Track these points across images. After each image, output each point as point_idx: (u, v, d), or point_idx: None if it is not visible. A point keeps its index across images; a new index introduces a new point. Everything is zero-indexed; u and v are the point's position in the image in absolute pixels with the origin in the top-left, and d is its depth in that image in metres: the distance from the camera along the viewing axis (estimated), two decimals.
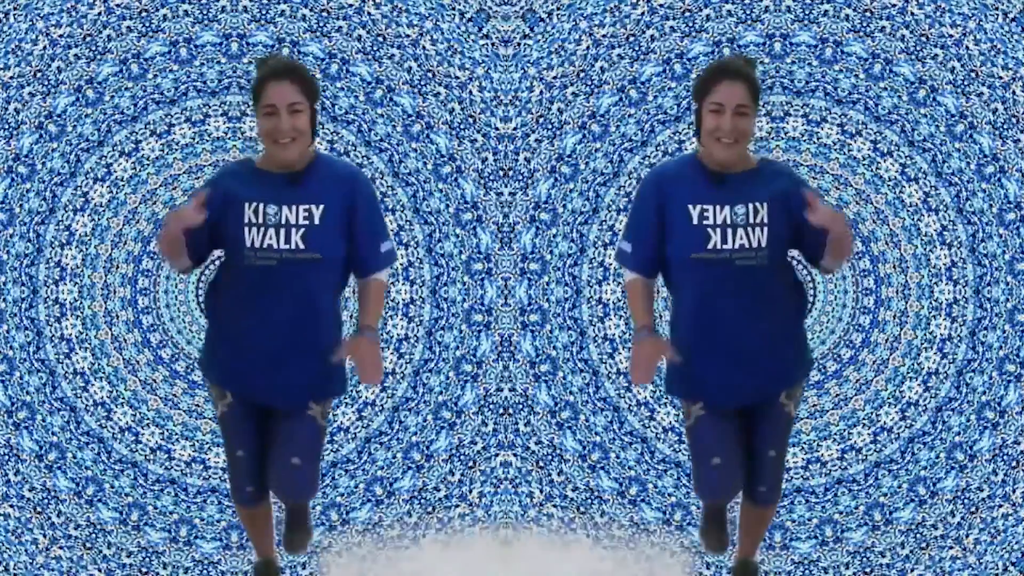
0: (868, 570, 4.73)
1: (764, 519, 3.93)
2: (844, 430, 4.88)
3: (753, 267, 3.60)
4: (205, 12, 4.76)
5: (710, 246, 3.60)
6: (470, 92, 4.81)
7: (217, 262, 3.74)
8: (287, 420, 3.71)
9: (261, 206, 3.60)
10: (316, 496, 3.95)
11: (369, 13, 4.80)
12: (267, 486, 3.77)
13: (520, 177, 4.87)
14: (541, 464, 4.90)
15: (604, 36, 4.82)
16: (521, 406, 4.89)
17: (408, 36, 4.80)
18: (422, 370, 4.93)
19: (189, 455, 4.86)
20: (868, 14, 4.74)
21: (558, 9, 4.81)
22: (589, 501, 4.89)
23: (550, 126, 4.85)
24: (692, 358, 3.69)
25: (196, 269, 3.77)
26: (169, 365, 4.91)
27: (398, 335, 4.92)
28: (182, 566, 4.72)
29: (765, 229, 3.60)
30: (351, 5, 4.78)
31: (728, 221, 3.61)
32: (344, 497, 4.89)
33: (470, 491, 4.88)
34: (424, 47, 4.81)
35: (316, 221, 3.61)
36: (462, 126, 4.84)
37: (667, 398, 4.87)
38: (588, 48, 4.82)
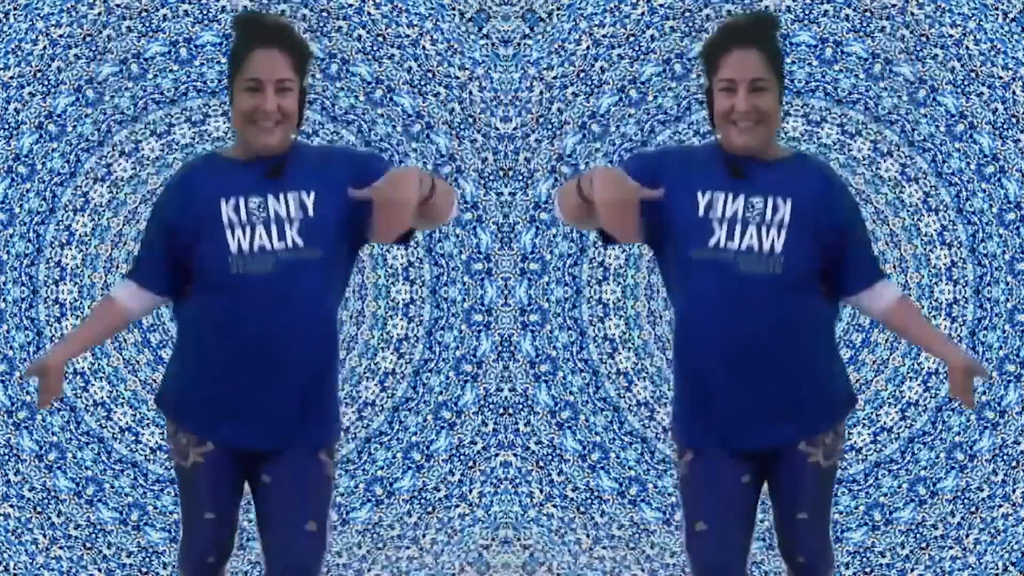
0: (868, 570, 4.73)
1: None
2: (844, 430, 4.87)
3: (761, 276, 2.91)
4: (205, 12, 4.76)
5: (712, 243, 2.93)
6: (470, 92, 4.81)
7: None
8: (290, 471, 2.97)
9: (241, 200, 2.91)
10: None
11: (369, 13, 4.80)
12: (229, 552, 3.06)
13: (520, 177, 4.87)
14: (541, 464, 4.90)
15: (604, 36, 4.82)
16: (521, 406, 4.89)
17: (408, 36, 4.80)
18: (422, 370, 4.93)
19: None
20: (868, 14, 4.74)
21: (558, 9, 4.82)
22: (589, 501, 4.89)
23: (550, 126, 4.85)
24: (686, 388, 3.04)
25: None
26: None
27: (398, 335, 4.92)
28: None
29: (783, 231, 2.91)
30: (351, 5, 4.78)
31: (739, 215, 2.92)
32: (344, 497, 4.89)
33: (470, 491, 4.88)
34: (424, 47, 4.81)
35: (311, 212, 2.92)
36: (462, 126, 4.84)
37: (667, 398, 4.87)
38: (588, 48, 4.82)
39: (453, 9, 4.80)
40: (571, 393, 4.91)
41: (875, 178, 4.83)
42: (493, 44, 4.82)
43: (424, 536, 4.84)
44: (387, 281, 4.91)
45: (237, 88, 2.95)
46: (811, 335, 3.00)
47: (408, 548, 4.80)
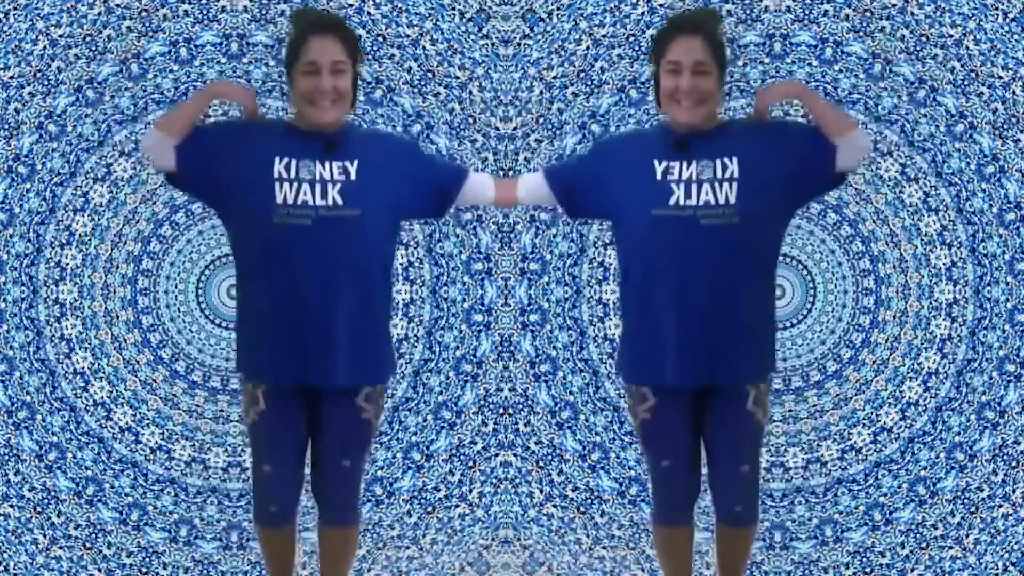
0: (868, 570, 4.73)
1: (744, 546, 3.56)
2: (844, 430, 4.88)
3: (721, 226, 3.27)
4: (205, 12, 4.77)
5: (672, 202, 3.29)
6: (470, 92, 4.81)
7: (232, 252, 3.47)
8: (333, 417, 3.44)
9: (293, 161, 3.30)
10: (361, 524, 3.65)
11: (369, 13, 4.80)
12: (293, 504, 3.49)
13: None
14: (541, 464, 4.90)
15: (604, 36, 4.82)
16: (521, 406, 4.89)
17: (408, 36, 4.80)
18: (422, 370, 4.93)
19: (189, 455, 4.86)
20: (868, 14, 4.74)
21: (558, 9, 4.82)
22: (589, 501, 4.89)
23: (550, 126, 4.85)
24: (648, 332, 3.37)
25: (174, 187, 3.46)
26: (169, 365, 4.91)
27: (398, 335, 4.92)
28: (182, 566, 4.72)
29: (735, 184, 3.28)
30: (351, 5, 4.78)
31: (694, 177, 3.30)
32: None
33: (470, 491, 4.88)
34: (424, 47, 4.81)
35: (352, 177, 3.32)
36: (462, 126, 4.84)
37: None
38: (588, 48, 4.83)
39: (453, 9, 4.80)
40: (571, 393, 4.91)
41: (875, 178, 4.84)
42: (493, 44, 4.82)
43: (424, 536, 4.84)
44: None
45: (296, 72, 3.33)
46: (761, 283, 3.38)
47: (408, 548, 4.81)
